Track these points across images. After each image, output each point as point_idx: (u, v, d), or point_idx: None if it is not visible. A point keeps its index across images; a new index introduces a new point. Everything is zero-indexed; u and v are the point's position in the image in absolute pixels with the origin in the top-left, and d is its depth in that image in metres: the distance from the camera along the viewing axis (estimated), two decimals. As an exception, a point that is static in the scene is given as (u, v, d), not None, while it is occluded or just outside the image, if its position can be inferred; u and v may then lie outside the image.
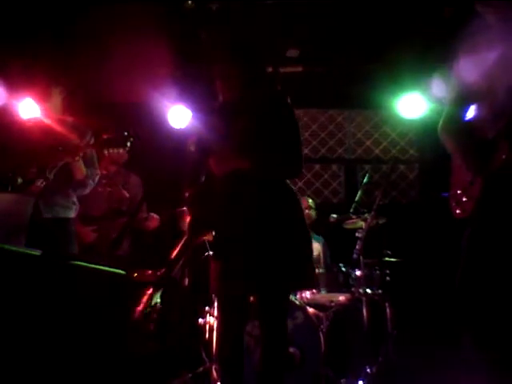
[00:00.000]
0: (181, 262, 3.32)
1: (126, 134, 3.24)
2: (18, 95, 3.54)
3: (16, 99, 3.54)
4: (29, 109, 3.53)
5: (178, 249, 3.17)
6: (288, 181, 2.75)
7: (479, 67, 2.28)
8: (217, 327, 3.79)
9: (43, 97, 3.52)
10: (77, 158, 3.40)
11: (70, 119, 3.57)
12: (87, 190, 3.65)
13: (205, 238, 4.08)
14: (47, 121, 3.48)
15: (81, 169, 3.50)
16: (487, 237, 2.25)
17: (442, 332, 4.45)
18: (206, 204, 2.80)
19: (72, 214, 3.62)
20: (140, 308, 3.29)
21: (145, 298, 3.42)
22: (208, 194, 2.80)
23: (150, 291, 3.27)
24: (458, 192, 2.42)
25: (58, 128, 3.45)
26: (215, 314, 4.04)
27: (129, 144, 3.29)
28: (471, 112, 2.39)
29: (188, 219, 2.88)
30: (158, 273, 3.35)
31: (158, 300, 3.50)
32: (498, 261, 2.20)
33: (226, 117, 2.73)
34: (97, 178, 3.71)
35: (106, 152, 3.37)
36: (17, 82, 3.64)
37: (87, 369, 1.89)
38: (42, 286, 1.79)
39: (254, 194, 2.63)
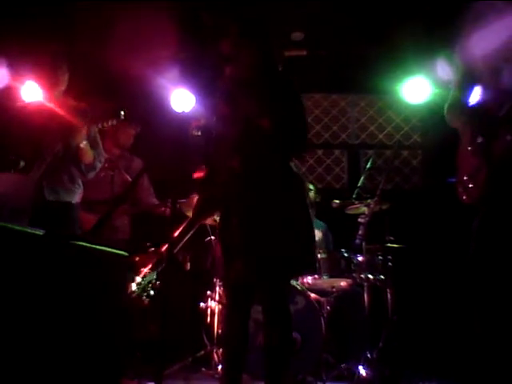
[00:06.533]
0: (182, 243, 3.31)
1: (117, 105, 3.25)
2: (20, 78, 3.52)
3: (18, 82, 3.52)
4: (31, 92, 3.50)
5: (181, 228, 3.16)
6: (294, 166, 2.74)
7: (484, 47, 2.25)
8: (222, 311, 3.79)
9: (48, 81, 3.49)
10: (84, 143, 3.41)
11: (71, 102, 3.55)
12: (97, 171, 3.66)
13: (207, 222, 4.07)
14: (49, 104, 3.46)
15: (89, 152, 3.51)
16: (496, 222, 2.24)
17: (443, 318, 4.46)
18: (214, 186, 2.78)
19: (76, 199, 3.60)
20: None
21: (141, 274, 3.42)
22: (216, 177, 2.78)
23: (147, 268, 3.28)
24: (465, 178, 2.40)
25: (59, 111, 3.43)
26: (217, 298, 4.06)
27: (122, 115, 3.29)
28: (477, 95, 2.37)
29: (196, 201, 2.86)
30: (159, 250, 3.35)
31: (155, 277, 3.50)
32: (508, 245, 2.19)
33: (231, 100, 2.70)
34: (103, 159, 3.71)
35: (100, 126, 3.41)
36: (19, 65, 3.60)
37: (86, 350, 1.89)
38: (45, 266, 1.78)
39: (261, 179, 2.61)
